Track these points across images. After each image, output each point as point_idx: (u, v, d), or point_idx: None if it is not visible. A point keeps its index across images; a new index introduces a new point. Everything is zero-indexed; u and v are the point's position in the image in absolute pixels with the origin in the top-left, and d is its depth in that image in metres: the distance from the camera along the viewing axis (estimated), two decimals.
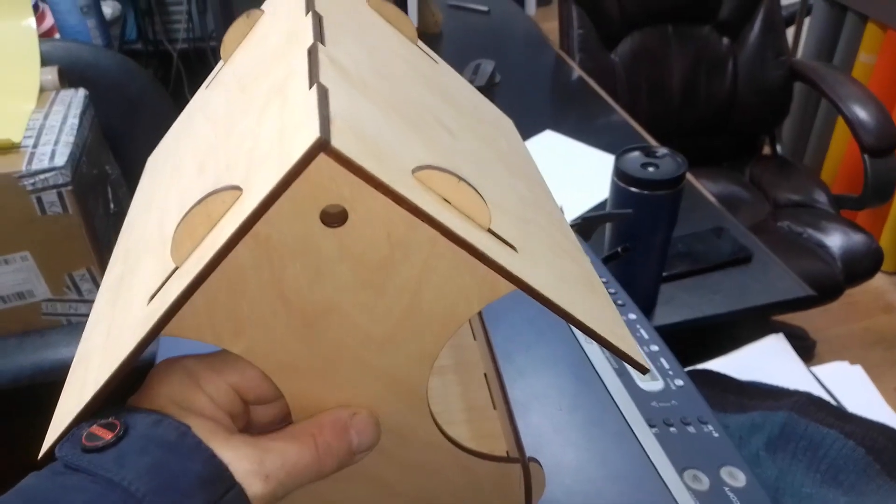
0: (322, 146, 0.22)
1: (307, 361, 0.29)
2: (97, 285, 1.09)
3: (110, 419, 0.27)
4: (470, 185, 0.26)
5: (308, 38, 0.29)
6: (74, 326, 1.11)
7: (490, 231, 0.27)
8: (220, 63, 0.41)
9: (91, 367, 0.28)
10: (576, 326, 0.28)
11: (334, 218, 0.25)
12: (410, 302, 0.28)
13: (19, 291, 1.06)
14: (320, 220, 0.25)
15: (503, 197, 0.31)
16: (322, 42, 0.29)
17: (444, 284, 0.28)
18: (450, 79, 0.41)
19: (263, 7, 0.40)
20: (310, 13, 0.32)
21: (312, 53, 0.28)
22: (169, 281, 0.26)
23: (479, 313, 0.41)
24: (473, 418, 0.37)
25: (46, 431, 0.29)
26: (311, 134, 0.22)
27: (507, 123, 0.44)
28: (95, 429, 0.26)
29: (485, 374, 0.40)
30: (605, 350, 0.47)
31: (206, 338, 0.28)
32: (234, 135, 0.30)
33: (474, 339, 0.42)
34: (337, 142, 0.23)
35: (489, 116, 0.42)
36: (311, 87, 0.25)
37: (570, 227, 0.36)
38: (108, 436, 0.26)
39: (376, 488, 0.34)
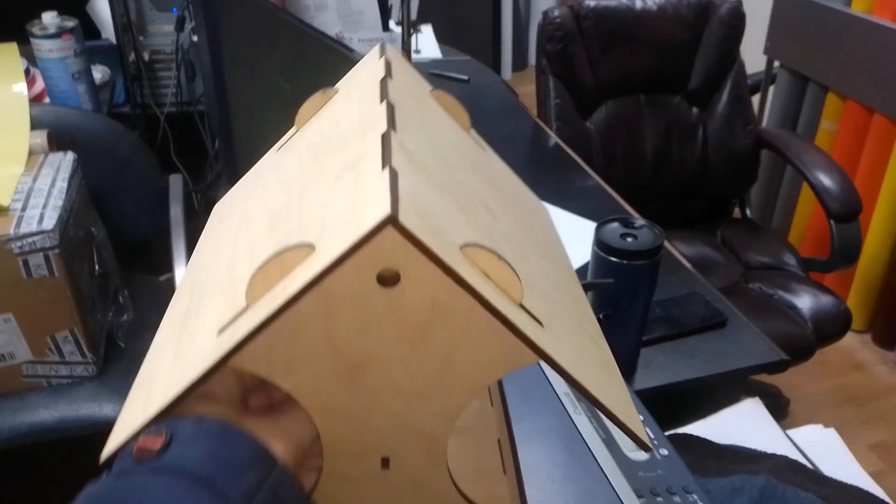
0: (391, 220, 0.26)
1: (345, 405, 0.32)
2: (79, 347, 1.09)
3: (153, 429, 0.30)
4: (508, 263, 0.30)
5: (381, 125, 0.33)
6: (54, 388, 1.10)
7: (521, 306, 0.30)
8: (294, 129, 0.45)
9: (156, 386, 0.31)
10: (591, 402, 0.31)
11: (389, 280, 0.29)
12: (443, 362, 0.31)
13: (0, 354, 1.05)
14: (376, 281, 0.29)
15: (534, 276, 0.34)
16: (394, 129, 0.33)
17: (475, 350, 0.31)
18: (495, 165, 0.45)
19: (338, 86, 0.45)
20: (384, 102, 0.36)
21: (386, 139, 0.32)
22: (240, 317, 0.29)
23: (500, 383, 0.45)
24: (483, 480, 0.39)
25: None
26: (383, 209, 0.26)
27: (542, 210, 0.48)
28: (143, 440, 0.29)
29: (498, 440, 0.42)
30: (593, 421, 0.49)
31: (261, 371, 0.31)
32: (306, 199, 0.33)
33: (492, 405, 0.45)
34: (403, 218, 0.26)
35: (527, 203, 0.46)
36: (383, 169, 0.29)
37: (591, 310, 0.39)
38: (157, 443, 0.29)
39: None
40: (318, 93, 0.44)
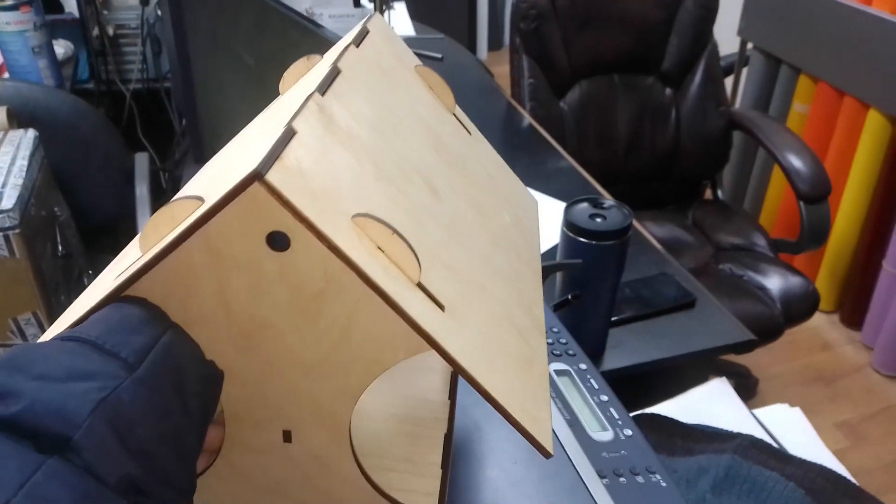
0: (256, 177, 0.25)
1: (243, 370, 0.32)
2: (43, 329, 1.07)
3: None
4: (404, 238, 0.28)
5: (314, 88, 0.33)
6: None
7: (420, 286, 0.29)
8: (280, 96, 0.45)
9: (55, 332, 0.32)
10: (481, 395, 0.29)
11: (279, 243, 0.28)
12: (340, 337, 0.30)
13: None
14: (266, 243, 0.28)
15: (464, 262, 0.33)
16: (323, 93, 0.32)
17: (372, 327, 0.30)
18: (472, 149, 0.44)
19: (325, 55, 0.44)
20: (331, 67, 0.35)
21: (306, 100, 0.31)
22: (133, 264, 0.30)
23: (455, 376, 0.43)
24: (409, 470, 0.38)
25: None
26: (254, 165, 0.26)
27: (526, 203, 0.46)
28: None
29: (445, 435, 0.41)
30: (557, 402, 0.49)
31: None
32: (237, 160, 0.33)
33: (448, 399, 0.43)
34: (273, 176, 0.25)
35: (505, 192, 0.44)
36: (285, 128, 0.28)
37: (540, 309, 0.38)
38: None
39: None
40: (302, 58, 0.43)
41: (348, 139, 0.31)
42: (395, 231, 0.28)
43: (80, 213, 1.21)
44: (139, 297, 0.30)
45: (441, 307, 0.29)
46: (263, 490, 0.35)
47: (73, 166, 1.24)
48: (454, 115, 0.46)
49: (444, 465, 0.38)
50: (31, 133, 1.10)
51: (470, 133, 0.46)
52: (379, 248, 0.28)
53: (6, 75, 1.31)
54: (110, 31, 1.47)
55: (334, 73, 0.35)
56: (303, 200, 0.26)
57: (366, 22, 0.44)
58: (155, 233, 0.29)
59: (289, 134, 0.28)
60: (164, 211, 0.28)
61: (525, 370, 0.32)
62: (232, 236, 0.28)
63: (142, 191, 1.29)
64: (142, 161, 1.33)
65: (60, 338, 0.29)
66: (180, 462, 0.29)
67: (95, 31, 1.46)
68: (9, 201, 0.97)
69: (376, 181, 0.31)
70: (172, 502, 0.29)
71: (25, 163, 1.04)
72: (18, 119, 1.15)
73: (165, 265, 0.29)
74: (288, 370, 0.32)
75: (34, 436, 0.25)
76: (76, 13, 1.44)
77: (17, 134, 1.10)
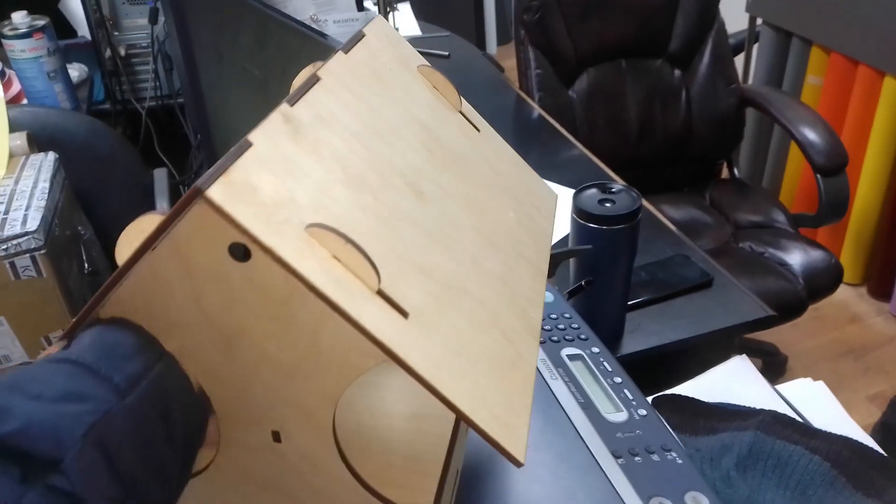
0: (197, 192, 0.26)
1: (227, 374, 0.33)
2: None
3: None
4: (358, 247, 0.28)
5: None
6: None
7: (381, 293, 0.29)
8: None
9: None
10: (442, 402, 0.28)
11: (241, 254, 0.29)
12: (310, 342, 0.31)
13: None
14: (230, 254, 0.29)
15: (445, 265, 0.33)
16: (292, 103, 0.33)
17: (339, 333, 0.31)
18: (478, 146, 0.44)
19: None
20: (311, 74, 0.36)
21: (272, 111, 0.32)
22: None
23: None
24: (412, 468, 0.38)
25: None
26: (199, 181, 0.26)
27: (542, 200, 0.46)
28: (47, 351, 0.32)
29: (451, 433, 0.40)
30: (570, 387, 0.49)
31: (148, 328, 0.33)
32: None
33: None
34: (214, 191, 0.26)
35: (515, 188, 0.44)
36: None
37: (538, 311, 0.37)
38: (57, 349, 0.32)
39: None
40: (309, 66, 0.43)
41: (316, 148, 0.32)
42: (349, 240, 0.28)
43: (104, 231, 1.24)
44: (135, 323, 0.32)
45: (404, 314, 0.29)
46: (262, 486, 0.37)
47: (94, 185, 1.27)
48: (461, 112, 0.46)
49: (446, 464, 0.38)
50: (51, 156, 1.13)
51: (479, 130, 0.46)
52: (335, 257, 0.28)
53: (24, 101, 1.34)
54: (122, 52, 1.50)
55: (311, 82, 0.35)
56: (247, 213, 0.26)
57: (365, 26, 0.44)
58: (128, 246, 0.30)
59: (242, 147, 0.28)
60: (133, 225, 0.30)
61: (505, 375, 0.32)
62: (197, 247, 0.29)
63: (162, 205, 1.31)
64: (161, 176, 1.35)
65: (56, 359, 0.30)
66: (162, 487, 0.30)
67: (108, 53, 1.49)
68: (33, 223, 0.99)
69: (345, 189, 0.31)
70: None
71: (47, 185, 1.07)
72: (38, 143, 1.17)
73: (138, 275, 0.30)
74: (269, 373, 0.33)
75: (24, 456, 0.26)
76: (89, 36, 1.46)
77: (37, 157, 1.13)
